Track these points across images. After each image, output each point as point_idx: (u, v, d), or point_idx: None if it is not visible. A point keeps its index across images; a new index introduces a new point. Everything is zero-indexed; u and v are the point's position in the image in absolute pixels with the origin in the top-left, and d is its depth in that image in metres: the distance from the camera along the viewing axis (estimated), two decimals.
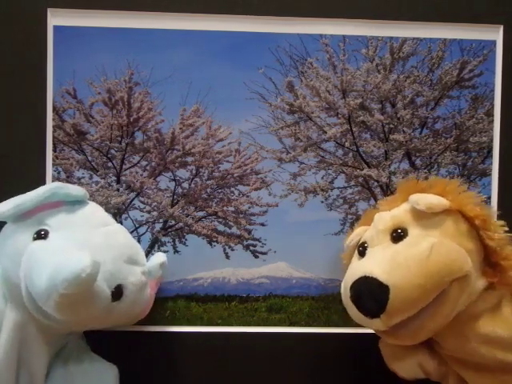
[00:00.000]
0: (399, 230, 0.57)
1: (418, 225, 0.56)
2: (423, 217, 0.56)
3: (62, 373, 0.63)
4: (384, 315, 0.52)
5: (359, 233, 0.63)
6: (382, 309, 0.52)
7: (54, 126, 0.71)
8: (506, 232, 0.56)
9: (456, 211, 0.56)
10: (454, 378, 0.61)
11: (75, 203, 0.62)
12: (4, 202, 0.59)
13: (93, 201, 0.71)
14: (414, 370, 0.61)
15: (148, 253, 0.73)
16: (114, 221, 0.65)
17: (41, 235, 0.57)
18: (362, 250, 0.60)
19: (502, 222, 0.57)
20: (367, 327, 0.57)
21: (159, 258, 0.66)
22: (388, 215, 0.59)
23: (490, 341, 0.55)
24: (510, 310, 0.56)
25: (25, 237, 0.57)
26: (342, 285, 0.61)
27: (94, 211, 0.63)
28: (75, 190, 0.61)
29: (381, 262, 0.54)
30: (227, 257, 0.74)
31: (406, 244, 0.55)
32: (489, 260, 0.56)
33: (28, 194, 0.59)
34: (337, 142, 0.74)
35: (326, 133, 0.74)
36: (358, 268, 0.56)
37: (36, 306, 0.53)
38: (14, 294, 0.56)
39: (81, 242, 0.56)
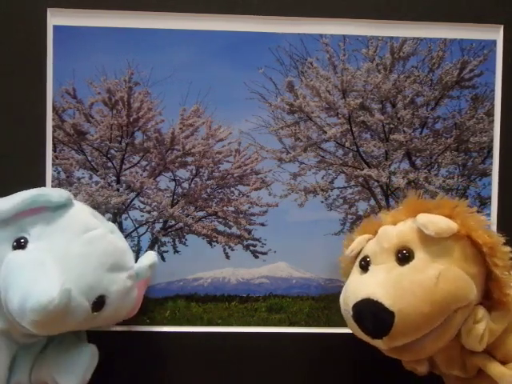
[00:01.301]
0: (404, 251, 0.55)
1: (424, 248, 0.55)
2: (430, 239, 0.55)
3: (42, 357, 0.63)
4: (387, 338, 0.52)
5: (360, 242, 0.61)
6: (385, 332, 0.52)
7: (53, 126, 0.71)
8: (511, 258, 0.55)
9: (463, 235, 0.55)
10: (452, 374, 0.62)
11: (58, 208, 0.59)
12: None
13: (92, 201, 0.71)
14: (426, 365, 0.61)
15: None
16: (99, 223, 0.61)
17: (20, 243, 0.56)
18: (364, 264, 0.59)
19: (508, 249, 0.55)
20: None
21: (149, 258, 0.64)
22: (393, 232, 0.58)
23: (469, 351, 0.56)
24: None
25: (4, 244, 0.56)
26: (342, 297, 0.60)
27: (76, 216, 0.60)
28: (56, 197, 0.58)
29: (385, 285, 0.53)
30: (227, 257, 0.74)
31: (412, 268, 0.54)
32: (488, 287, 0.56)
33: (8, 200, 0.57)
34: (337, 142, 0.74)
35: (326, 133, 0.74)
36: (361, 287, 0.56)
37: (14, 318, 0.53)
38: None
39: (60, 255, 0.55)
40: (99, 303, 0.57)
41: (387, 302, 0.52)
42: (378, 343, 0.54)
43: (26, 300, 0.50)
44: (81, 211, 0.61)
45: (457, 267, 0.54)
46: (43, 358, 0.62)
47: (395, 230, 0.58)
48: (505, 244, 0.55)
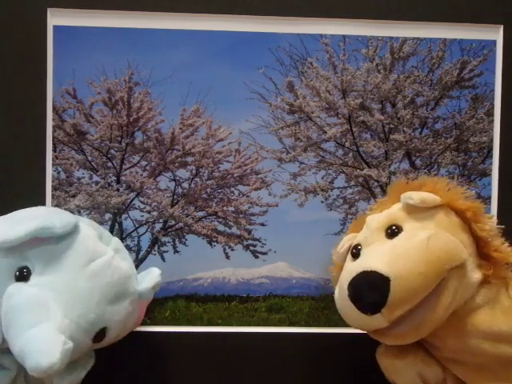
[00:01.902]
0: (394, 227, 0.57)
1: (412, 219, 0.57)
2: (416, 212, 0.57)
3: None
4: (385, 309, 0.52)
5: (350, 238, 0.62)
6: (383, 301, 0.51)
7: (54, 126, 0.71)
8: (497, 224, 0.58)
9: (447, 207, 0.57)
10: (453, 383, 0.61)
11: (63, 236, 0.56)
12: None
13: (92, 201, 0.71)
14: (414, 381, 0.61)
15: (148, 253, 0.73)
16: (104, 247, 0.59)
17: (23, 274, 0.54)
18: (355, 252, 0.59)
19: (490, 215, 0.59)
20: (367, 329, 0.57)
21: (152, 278, 0.63)
22: (381, 214, 0.60)
23: (488, 336, 0.55)
24: (507, 303, 0.57)
25: (6, 272, 0.55)
26: (336, 290, 0.60)
27: (82, 244, 0.57)
28: (61, 228, 0.55)
29: (379, 256, 0.54)
30: (227, 257, 0.74)
31: (402, 237, 0.56)
32: (481, 252, 0.57)
33: (12, 228, 0.54)
34: (337, 142, 0.74)
35: (326, 133, 0.74)
36: (355, 266, 0.55)
37: None
38: None
39: (63, 292, 0.54)
40: (100, 335, 0.57)
41: (382, 268, 0.52)
42: (379, 320, 0.53)
43: (26, 357, 0.49)
44: (86, 238, 0.58)
45: (444, 231, 0.55)
46: None
47: (382, 213, 0.60)
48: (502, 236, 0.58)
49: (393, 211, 0.59)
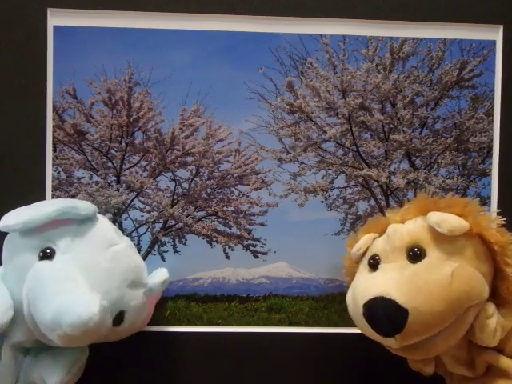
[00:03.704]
0: (416, 249, 0.55)
1: (436, 246, 0.55)
2: (442, 237, 0.55)
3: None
4: (399, 336, 0.52)
5: (367, 241, 0.61)
6: (398, 331, 0.52)
7: (54, 126, 0.71)
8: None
9: (474, 234, 0.55)
10: (456, 374, 0.62)
11: (83, 221, 0.60)
12: (12, 215, 0.57)
13: (93, 201, 0.71)
14: (433, 365, 0.61)
15: (148, 253, 0.73)
16: (120, 236, 0.63)
17: (46, 254, 0.56)
18: (373, 262, 0.58)
19: None
20: (377, 341, 0.57)
21: (162, 275, 0.65)
22: (404, 230, 0.57)
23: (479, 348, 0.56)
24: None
25: (30, 253, 0.56)
26: (350, 297, 0.60)
27: (102, 229, 0.61)
28: (85, 210, 0.59)
29: (398, 283, 0.53)
30: (227, 257, 0.74)
31: (425, 266, 0.54)
32: (496, 283, 0.56)
33: (38, 210, 0.57)
34: (337, 142, 0.74)
35: (326, 133, 0.74)
36: (372, 286, 0.55)
37: (37, 327, 0.53)
38: (16, 309, 0.56)
39: (87, 270, 0.55)
40: (119, 318, 0.59)
41: (401, 299, 0.51)
42: (390, 342, 0.53)
43: (64, 314, 0.49)
44: (104, 225, 0.62)
45: (469, 265, 0.54)
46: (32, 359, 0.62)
47: (406, 228, 0.58)
48: None
49: (416, 229, 0.57)
